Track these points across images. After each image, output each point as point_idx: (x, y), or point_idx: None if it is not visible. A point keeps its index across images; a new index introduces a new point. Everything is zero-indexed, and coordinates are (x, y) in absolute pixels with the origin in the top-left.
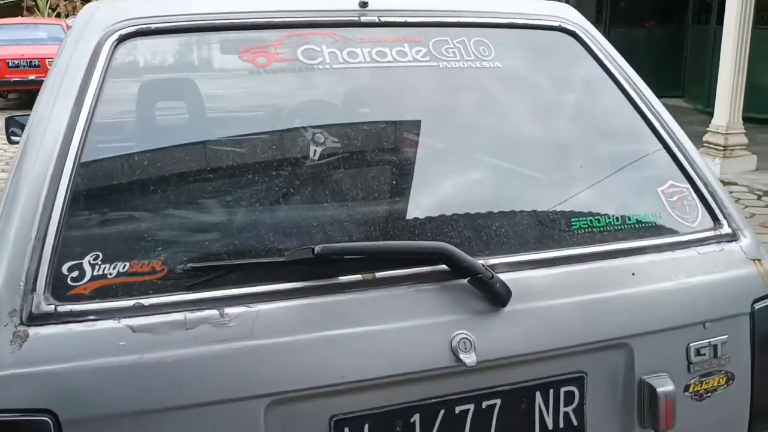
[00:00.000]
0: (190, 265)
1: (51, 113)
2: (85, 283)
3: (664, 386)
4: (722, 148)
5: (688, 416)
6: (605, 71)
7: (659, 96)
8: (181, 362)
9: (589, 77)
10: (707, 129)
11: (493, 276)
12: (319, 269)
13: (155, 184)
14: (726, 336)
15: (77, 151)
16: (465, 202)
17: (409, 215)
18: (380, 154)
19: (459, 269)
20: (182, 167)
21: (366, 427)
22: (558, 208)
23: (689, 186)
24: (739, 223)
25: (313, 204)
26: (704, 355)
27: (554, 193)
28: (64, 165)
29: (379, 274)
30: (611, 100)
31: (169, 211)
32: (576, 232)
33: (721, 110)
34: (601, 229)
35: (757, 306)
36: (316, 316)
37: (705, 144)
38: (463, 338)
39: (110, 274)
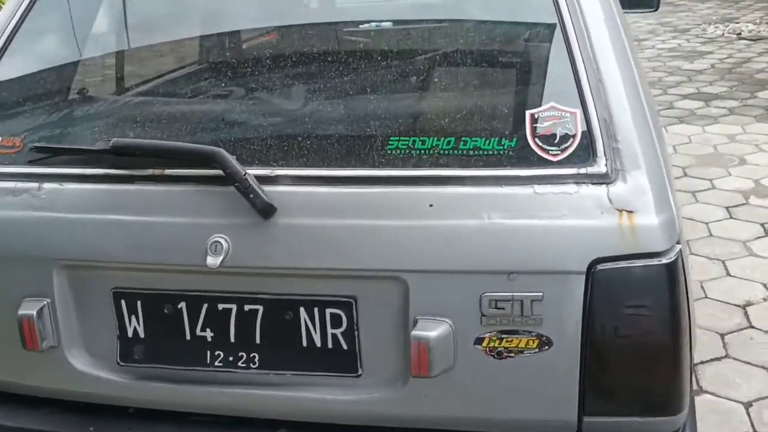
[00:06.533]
0: (34, 144)
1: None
2: None
3: (423, 330)
4: None
5: (477, 372)
6: None
7: None
8: (4, 221)
9: None
10: None
11: (248, 187)
12: (126, 161)
13: (38, 82)
14: (540, 294)
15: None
16: (282, 113)
17: (218, 124)
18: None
19: (227, 176)
20: (55, 69)
21: (139, 303)
22: (381, 125)
23: (580, 110)
24: (626, 164)
25: (149, 103)
26: (503, 309)
27: (384, 109)
28: None
29: (168, 171)
30: None
31: (41, 102)
32: (390, 152)
33: None
34: (423, 152)
35: (599, 267)
36: (108, 200)
37: None
38: (215, 241)
39: None
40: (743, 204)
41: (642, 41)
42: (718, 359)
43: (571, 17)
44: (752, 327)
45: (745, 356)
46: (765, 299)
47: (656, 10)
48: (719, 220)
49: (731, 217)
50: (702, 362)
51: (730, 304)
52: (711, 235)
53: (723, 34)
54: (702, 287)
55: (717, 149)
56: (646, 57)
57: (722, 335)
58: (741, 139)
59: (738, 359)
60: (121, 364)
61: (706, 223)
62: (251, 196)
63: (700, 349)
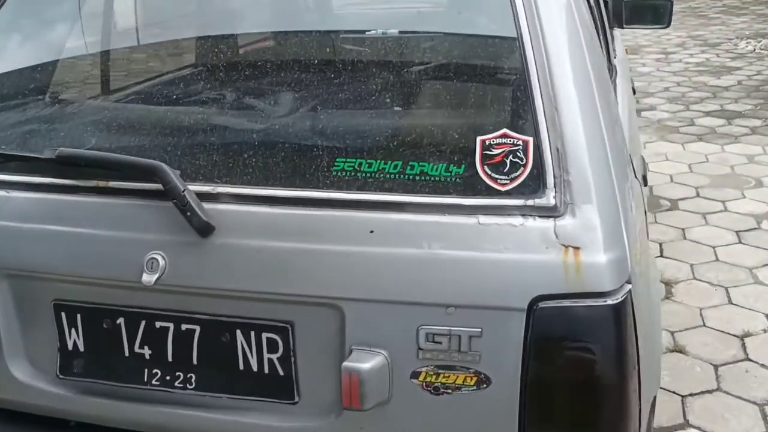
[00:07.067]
0: None
1: None
2: None
3: (356, 362)
4: None
5: (413, 407)
6: None
7: None
8: None
9: None
10: None
11: (186, 204)
12: (73, 171)
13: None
14: (479, 330)
15: None
16: (229, 128)
17: (168, 137)
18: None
19: (166, 191)
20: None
21: (78, 316)
22: (329, 145)
23: (532, 139)
24: (577, 197)
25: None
26: (440, 343)
27: (333, 128)
28: None
29: (112, 184)
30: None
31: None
32: (336, 173)
33: None
34: (368, 175)
35: (541, 305)
36: (52, 211)
37: None
38: (152, 258)
39: None
40: (755, 228)
41: (669, 54)
42: (709, 392)
43: (531, 42)
44: (749, 359)
45: (738, 390)
46: (765, 330)
47: (668, 26)
48: (727, 245)
49: (740, 242)
50: (692, 394)
51: (728, 334)
52: (717, 259)
53: (754, 49)
54: (701, 314)
55: (734, 170)
56: (672, 71)
57: (716, 366)
58: (760, 160)
59: (730, 393)
60: (61, 376)
61: (713, 247)
62: (188, 213)
63: (691, 381)
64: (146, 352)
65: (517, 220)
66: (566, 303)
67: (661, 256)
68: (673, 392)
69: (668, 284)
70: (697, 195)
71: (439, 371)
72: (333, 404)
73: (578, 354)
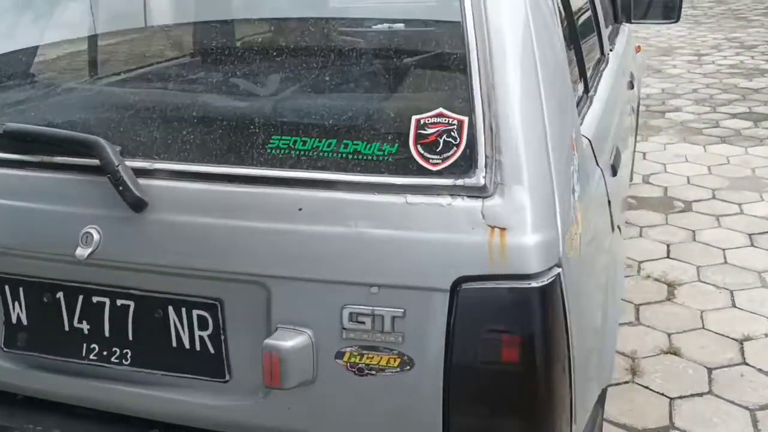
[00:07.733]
0: None
1: None
2: None
3: (277, 340)
4: None
5: (338, 388)
6: None
7: None
8: None
9: None
10: None
11: (119, 179)
12: (20, 146)
13: None
14: (402, 310)
15: None
16: (169, 105)
17: (113, 113)
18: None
19: (101, 166)
20: None
21: (21, 290)
22: (265, 123)
23: (467, 119)
24: (507, 178)
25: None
26: (363, 323)
27: (270, 106)
28: None
29: (57, 159)
30: None
31: None
32: (270, 151)
33: None
34: (302, 153)
35: (464, 286)
36: None
37: None
38: (87, 232)
39: None
40: None
41: (702, 56)
42: (699, 395)
43: (474, 23)
44: (745, 364)
45: (730, 394)
46: (767, 335)
47: (677, 21)
48: (738, 248)
49: (752, 245)
50: (681, 397)
51: (728, 337)
52: (726, 262)
53: None
54: (701, 317)
55: (755, 172)
56: (703, 73)
57: (710, 370)
58: None
59: (721, 397)
60: (5, 350)
61: (723, 250)
62: (121, 188)
63: (683, 383)
64: (84, 326)
65: (445, 200)
66: (489, 284)
67: (668, 257)
68: (662, 394)
69: (671, 286)
70: (713, 197)
71: (363, 352)
72: (262, 383)
73: (501, 337)
